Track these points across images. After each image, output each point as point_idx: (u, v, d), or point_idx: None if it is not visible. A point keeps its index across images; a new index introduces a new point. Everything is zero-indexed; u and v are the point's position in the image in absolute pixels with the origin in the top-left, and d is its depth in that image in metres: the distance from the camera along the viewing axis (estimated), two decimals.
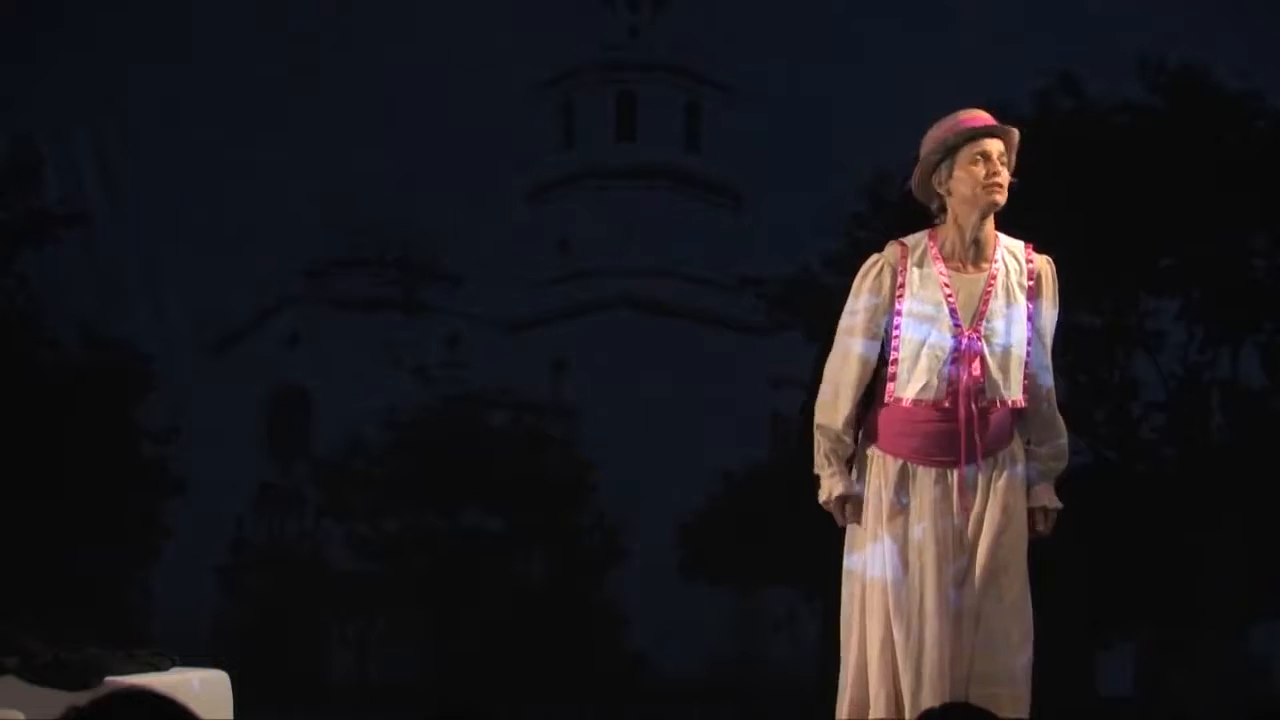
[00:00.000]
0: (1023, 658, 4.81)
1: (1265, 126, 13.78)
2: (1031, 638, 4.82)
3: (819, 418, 4.95)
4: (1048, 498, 4.93)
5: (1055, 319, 4.96)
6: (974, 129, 4.85)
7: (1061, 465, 4.93)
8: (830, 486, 4.91)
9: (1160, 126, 13.89)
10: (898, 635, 4.76)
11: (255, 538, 16.57)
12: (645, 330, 17.50)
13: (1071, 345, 13.88)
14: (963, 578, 4.83)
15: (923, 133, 5.03)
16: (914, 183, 4.84)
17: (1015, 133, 4.87)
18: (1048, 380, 4.97)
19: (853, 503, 4.88)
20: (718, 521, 15.75)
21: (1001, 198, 4.80)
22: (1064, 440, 4.94)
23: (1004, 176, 4.81)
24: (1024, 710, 4.71)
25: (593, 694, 14.74)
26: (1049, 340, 4.94)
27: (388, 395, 16.46)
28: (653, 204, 18.20)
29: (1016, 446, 4.93)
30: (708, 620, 16.04)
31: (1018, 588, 4.88)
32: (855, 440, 4.93)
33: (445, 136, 16.24)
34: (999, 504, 4.86)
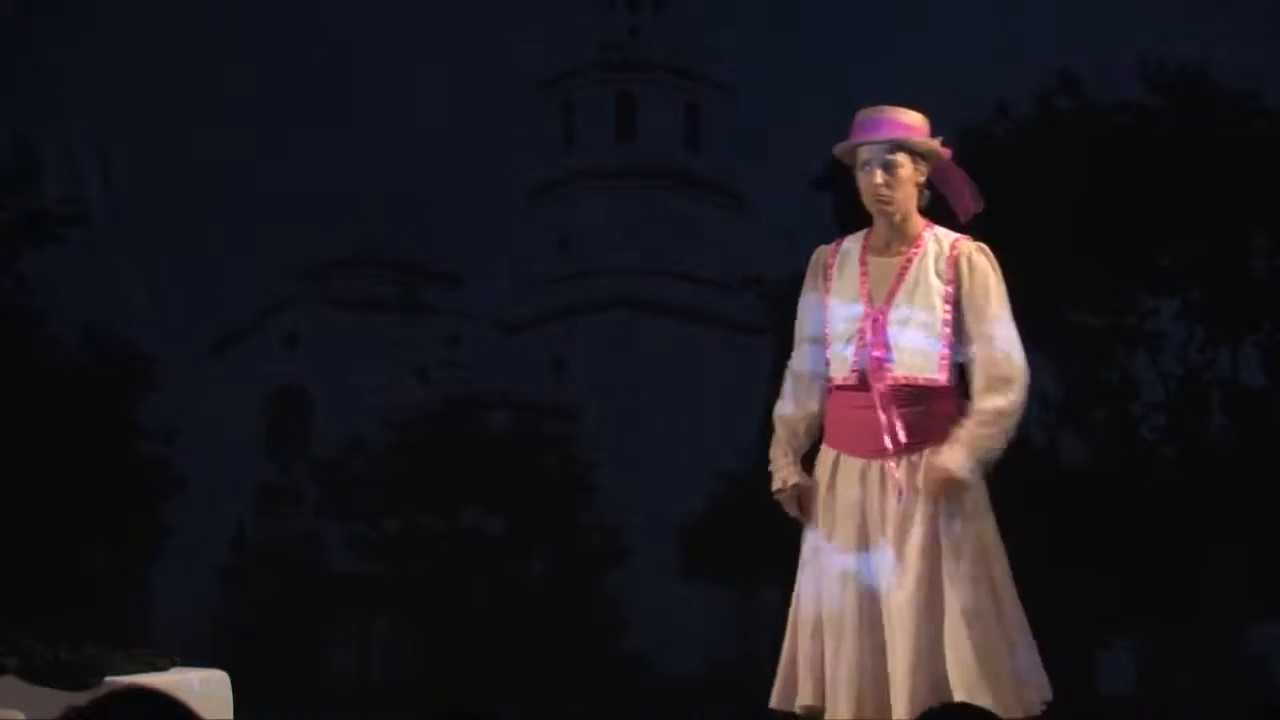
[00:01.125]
0: (1003, 664, 4.73)
1: (1264, 126, 13.78)
2: (1017, 641, 4.74)
3: (775, 410, 5.00)
4: (945, 459, 4.81)
5: (996, 304, 4.86)
6: (856, 142, 4.90)
7: (989, 433, 4.79)
8: (784, 476, 4.93)
9: (1160, 126, 13.90)
10: (825, 630, 4.76)
11: (255, 538, 16.57)
12: (645, 330, 17.50)
13: (1072, 345, 13.89)
14: (890, 575, 4.78)
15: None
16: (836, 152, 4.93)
17: (901, 139, 4.87)
18: (984, 347, 4.85)
19: (804, 495, 4.90)
20: (718, 521, 15.75)
21: (890, 207, 4.85)
22: (1000, 404, 4.82)
23: (888, 186, 4.84)
24: (1011, 713, 4.66)
25: (593, 694, 14.73)
26: (984, 323, 4.82)
27: (388, 395, 16.45)
28: (653, 204, 18.19)
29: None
30: (708, 620, 16.04)
31: (981, 591, 4.80)
32: (812, 436, 4.95)
33: (445, 136, 16.24)
34: (941, 504, 4.80)
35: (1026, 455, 13.75)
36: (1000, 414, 4.82)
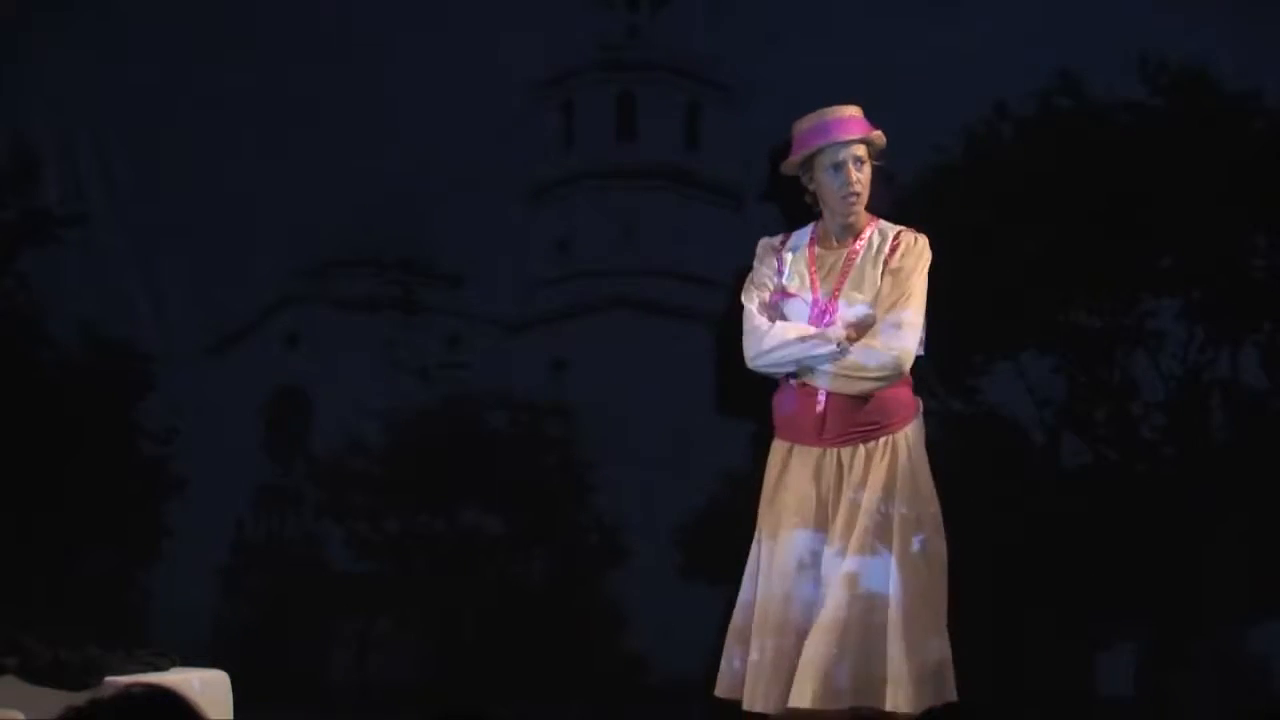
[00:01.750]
0: (919, 658, 4.75)
1: (1264, 126, 13.78)
2: (935, 637, 4.77)
3: (754, 349, 5.01)
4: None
5: (916, 280, 4.94)
6: (827, 143, 4.94)
7: (863, 363, 4.86)
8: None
9: (1160, 126, 13.89)
10: (760, 625, 4.80)
11: (255, 538, 16.56)
12: (645, 330, 17.49)
13: (1072, 345, 13.88)
14: (827, 566, 4.82)
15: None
16: (784, 170, 4.95)
17: (875, 136, 4.93)
18: (887, 322, 4.92)
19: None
20: (718, 521, 15.74)
21: (857, 207, 4.92)
22: (883, 356, 4.89)
23: (860, 184, 4.93)
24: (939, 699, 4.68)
25: (593, 694, 14.73)
26: (898, 292, 4.90)
27: (388, 395, 16.44)
28: (653, 204, 18.18)
29: (908, 432, 4.90)
30: (708, 620, 15.99)
31: (921, 581, 4.82)
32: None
33: (445, 136, 16.23)
34: (885, 494, 4.83)
35: (1026, 455, 13.74)
36: (883, 365, 4.88)
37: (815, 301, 4.96)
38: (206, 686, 5.29)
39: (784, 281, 4.95)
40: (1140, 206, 13.32)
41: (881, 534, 4.75)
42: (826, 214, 4.96)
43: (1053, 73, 14.09)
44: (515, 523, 16.29)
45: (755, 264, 5.10)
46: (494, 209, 17.84)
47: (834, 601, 4.69)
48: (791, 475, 4.90)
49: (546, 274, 19.07)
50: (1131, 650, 14.37)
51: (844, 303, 4.92)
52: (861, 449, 4.83)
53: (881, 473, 4.80)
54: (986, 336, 13.53)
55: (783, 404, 4.99)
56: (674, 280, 18.68)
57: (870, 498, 4.76)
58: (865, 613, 4.68)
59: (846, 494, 4.79)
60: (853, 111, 5.00)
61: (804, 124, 4.96)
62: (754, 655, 4.86)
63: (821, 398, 4.83)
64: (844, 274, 4.92)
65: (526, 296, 18.95)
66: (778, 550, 4.85)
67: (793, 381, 4.96)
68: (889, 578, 4.72)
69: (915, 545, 4.80)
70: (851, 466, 4.80)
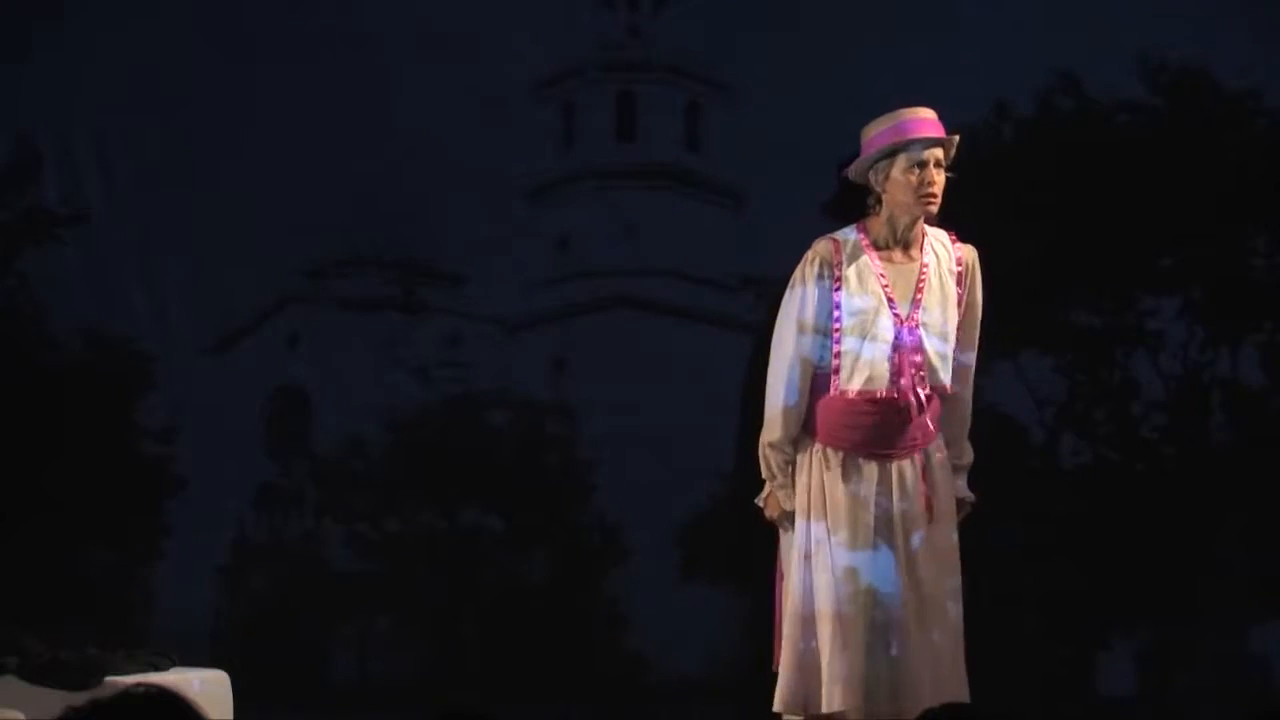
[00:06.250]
0: (953, 669, 4.79)
1: (1265, 126, 13.78)
2: (960, 644, 4.80)
3: (771, 432, 4.98)
4: (961, 490, 4.98)
5: (982, 305, 5.01)
6: (912, 139, 4.89)
7: (969, 459, 4.96)
8: (782, 500, 4.95)
9: (1160, 126, 13.89)
10: (828, 626, 4.78)
11: (256, 538, 16.56)
12: (645, 330, 17.49)
13: (1071, 345, 13.88)
14: (897, 571, 4.84)
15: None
16: (852, 172, 4.90)
17: (955, 139, 4.92)
18: (970, 366, 5.01)
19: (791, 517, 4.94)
20: (718, 521, 15.74)
21: (934, 208, 4.90)
22: (966, 430, 4.98)
23: (939, 185, 4.90)
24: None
25: (593, 694, 14.74)
26: (977, 331, 4.99)
27: (388, 395, 16.45)
28: (653, 204, 18.18)
29: (938, 437, 4.95)
30: (708, 620, 16.05)
31: (951, 590, 4.85)
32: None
33: (445, 136, 16.23)
34: (938, 497, 4.86)
35: (1026, 455, 13.74)
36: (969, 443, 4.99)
37: (897, 318, 4.91)
38: (206, 686, 5.29)
39: (848, 294, 4.86)
40: (1140, 206, 13.32)
41: (948, 549, 4.81)
42: (892, 214, 4.88)
43: (1053, 73, 14.10)
44: (515, 523, 16.29)
45: (804, 287, 4.90)
46: (494, 209, 17.83)
47: (915, 617, 4.72)
48: (853, 481, 4.86)
49: (546, 274, 19.05)
50: (1131, 650, 14.38)
51: (924, 332, 4.89)
52: (916, 459, 4.86)
53: (938, 483, 4.85)
54: (986, 336, 13.52)
55: (842, 416, 4.91)
56: (674, 280, 18.67)
57: (942, 511, 4.82)
58: (942, 627, 4.74)
59: (914, 505, 4.82)
60: (929, 114, 4.98)
61: (879, 125, 4.89)
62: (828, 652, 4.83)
63: (911, 420, 4.83)
64: (919, 289, 4.88)
65: (526, 296, 18.95)
66: (830, 554, 4.81)
67: (852, 391, 4.90)
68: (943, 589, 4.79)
69: (950, 544, 4.86)
70: (912, 477, 4.82)
